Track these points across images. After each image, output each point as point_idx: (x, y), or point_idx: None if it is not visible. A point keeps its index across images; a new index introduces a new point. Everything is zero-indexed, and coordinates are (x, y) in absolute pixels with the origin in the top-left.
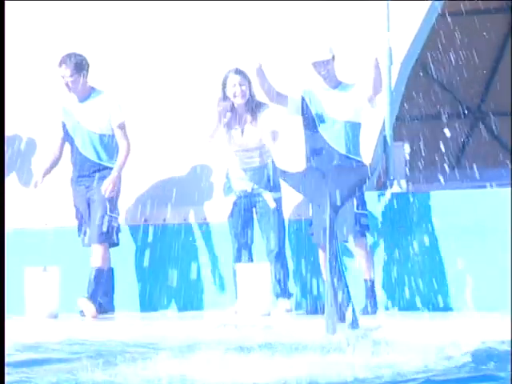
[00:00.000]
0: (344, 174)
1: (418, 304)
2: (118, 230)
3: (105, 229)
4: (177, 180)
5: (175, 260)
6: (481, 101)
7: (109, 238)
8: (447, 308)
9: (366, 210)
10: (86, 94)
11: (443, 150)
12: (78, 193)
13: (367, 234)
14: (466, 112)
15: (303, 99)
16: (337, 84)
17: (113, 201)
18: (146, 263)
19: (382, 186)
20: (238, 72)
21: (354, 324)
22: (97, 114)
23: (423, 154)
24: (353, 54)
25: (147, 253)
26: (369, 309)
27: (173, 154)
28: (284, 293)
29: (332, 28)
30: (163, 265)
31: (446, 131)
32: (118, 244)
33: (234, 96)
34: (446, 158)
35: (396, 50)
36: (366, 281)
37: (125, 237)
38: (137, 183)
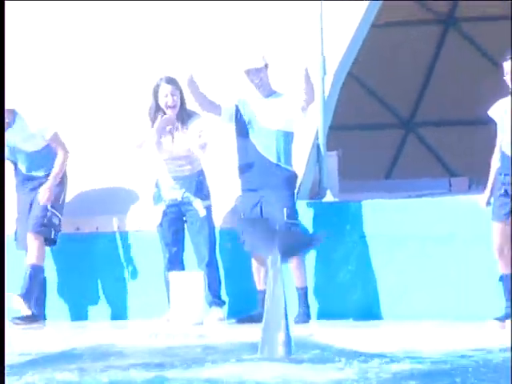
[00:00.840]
0: (274, 184)
1: (348, 312)
2: (58, 229)
3: (44, 221)
4: (108, 188)
5: (107, 269)
6: (413, 111)
7: (46, 231)
8: (375, 316)
9: (297, 220)
10: (11, 118)
11: (376, 159)
12: (20, 200)
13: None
14: (398, 122)
15: (237, 108)
16: (270, 93)
17: (57, 204)
18: (77, 272)
19: (314, 196)
20: (170, 81)
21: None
22: (27, 135)
23: (356, 164)
24: (286, 62)
25: (79, 261)
26: (302, 318)
27: (104, 162)
28: (216, 301)
29: (265, 34)
30: (95, 273)
31: (380, 141)
32: (55, 243)
33: (166, 106)
34: (378, 167)
35: (329, 59)
36: (297, 289)
37: (56, 245)
38: (68, 191)
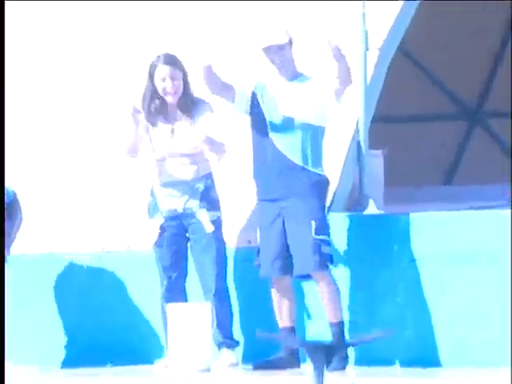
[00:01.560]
0: (300, 191)
1: (397, 357)
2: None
3: None
4: (91, 201)
5: (87, 300)
6: (480, 98)
7: None
8: (433, 363)
9: (329, 236)
10: None
11: (432, 160)
12: None
13: (330, 266)
14: (462, 112)
15: (254, 94)
16: (295, 75)
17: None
18: (47, 303)
19: (353, 207)
20: (169, 61)
21: None
22: None
23: (406, 166)
24: (317, 39)
25: (55, 289)
26: (337, 362)
27: (84, 167)
28: (228, 342)
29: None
30: (71, 306)
31: (437, 136)
32: None
33: (165, 93)
34: (435, 170)
35: (373, 33)
36: (331, 325)
37: (29, 268)
38: (43, 206)
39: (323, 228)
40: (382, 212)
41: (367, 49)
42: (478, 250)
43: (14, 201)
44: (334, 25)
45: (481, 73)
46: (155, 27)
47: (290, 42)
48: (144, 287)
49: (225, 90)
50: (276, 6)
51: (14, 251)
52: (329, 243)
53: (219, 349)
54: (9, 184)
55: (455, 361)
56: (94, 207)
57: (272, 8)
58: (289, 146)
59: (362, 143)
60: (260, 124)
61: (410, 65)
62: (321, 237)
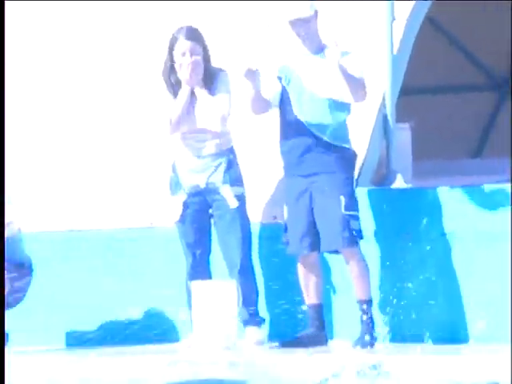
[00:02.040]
0: (327, 166)
1: (425, 334)
2: None
3: None
4: (111, 177)
5: (111, 278)
6: (510, 71)
7: None
8: (461, 339)
9: (358, 211)
10: None
11: (461, 133)
12: None
13: (360, 242)
14: (492, 83)
15: (279, 79)
16: (320, 48)
17: None
18: (70, 282)
19: (380, 181)
20: (191, 35)
21: None
22: None
23: (435, 139)
24: (344, 11)
25: (76, 266)
26: (366, 339)
27: (106, 145)
28: (254, 319)
29: None
30: (94, 283)
31: (466, 108)
32: None
33: (181, 67)
34: (465, 143)
35: (399, 2)
36: (360, 302)
37: (46, 245)
38: (64, 183)
39: (352, 203)
40: (410, 186)
41: (394, 18)
42: (507, 224)
43: (29, 266)
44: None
45: (510, 44)
46: (155, 27)
47: (316, 15)
48: (168, 264)
49: (265, 107)
50: None
51: (34, 228)
52: (358, 218)
53: (245, 326)
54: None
55: (486, 337)
56: (117, 184)
57: None
58: (315, 122)
59: (388, 116)
60: (286, 101)
61: (438, 35)
62: (350, 212)
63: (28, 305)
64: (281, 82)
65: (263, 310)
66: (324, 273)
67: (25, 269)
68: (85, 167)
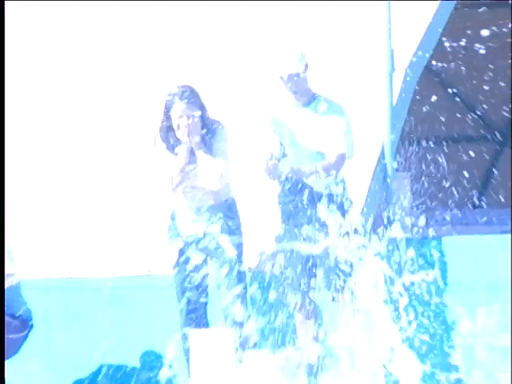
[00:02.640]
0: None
1: None
2: None
3: None
4: (110, 225)
5: (111, 324)
6: (510, 121)
7: None
8: None
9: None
10: None
11: (461, 183)
12: None
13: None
14: (491, 135)
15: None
16: (311, 99)
17: None
18: (64, 329)
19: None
20: (185, 96)
21: None
22: None
23: (434, 188)
24: (343, 59)
25: (74, 313)
26: None
27: (105, 195)
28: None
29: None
30: (88, 331)
31: (465, 158)
32: None
33: (179, 128)
34: (464, 193)
35: (399, 52)
36: None
37: (44, 291)
38: (62, 230)
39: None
40: (409, 236)
41: (393, 69)
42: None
43: (27, 320)
44: (359, 43)
45: (510, 96)
46: (156, 27)
47: (306, 67)
48: (166, 311)
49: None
50: (298, 24)
51: (32, 275)
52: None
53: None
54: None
55: None
56: (115, 232)
57: (292, 27)
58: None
59: (387, 165)
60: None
61: (438, 85)
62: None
63: (26, 351)
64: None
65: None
66: None
67: (22, 322)
68: (84, 215)
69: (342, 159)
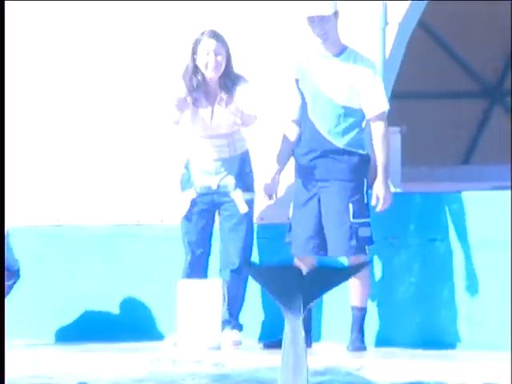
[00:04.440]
0: (339, 172)
1: (410, 339)
2: None
3: None
4: (101, 174)
5: (100, 272)
6: (501, 77)
7: None
8: (445, 345)
9: (369, 217)
10: None
11: (451, 138)
12: None
13: (368, 249)
14: (482, 90)
15: (297, 82)
16: (340, 50)
17: None
18: (60, 275)
19: (370, 184)
20: (215, 36)
21: None
22: None
23: (425, 144)
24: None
25: (63, 261)
26: (357, 345)
27: (96, 142)
28: (233, 322)
29: None
30: (84, 279)
31: (456, 113)
32: None
33: (206, 67)
34: (454, 148)
35: (392, 5)
36: (354, 309)
37: (33, 239)
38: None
39: (362, 210)
40: (399, 190)
41: (386, 23)
42: (497, 231)
43: (15, 270)
44: None
45: (502, 50)
46: (155, 26)
47: (335, 15)
48: (154, 261)
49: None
50: None
51: (22, 222)
52: (368, 225)
53: (223, 327)
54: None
55: (470, 343)
56: (105, 181)
57: None
58: (330, 129)
59: None
60: (303, 104)
61: (430, 40)
62: (359, 220)
63: (16, 298)
64: (298, 84)
65: (257, 311)
66: None
67: (9, 271)
68: (74, 163)
69: (384, 116)
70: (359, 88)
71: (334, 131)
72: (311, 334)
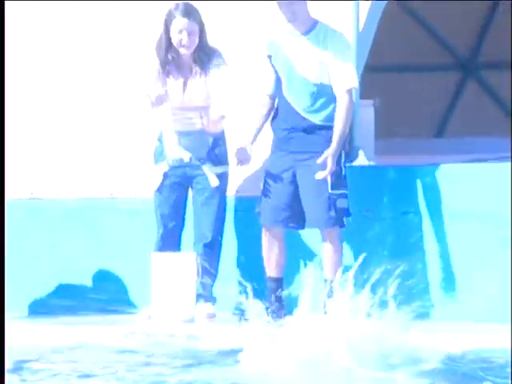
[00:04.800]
0: (316, 145)
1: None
2: None
3: None
4: (73, 147)
5: (73, 246)
6: (475, 49)
7: None
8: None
9: (346, 189)
10: None
11: (424, 111)
12: None
13: (345, 221)
14: (455, 63)
15: (270, 58)
16: (310, 27)
17: None
18: (33, 248)
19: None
20: (187, 13)
21: None
22: None
23: (399, 116)
24: None
25: (36, 234)
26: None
27: (70, 116)
28: (207, 295)
29: None
30: (57, 252)
31: (429, 86)
32: None
33: (179, 45)
34: (428, 121)
35: None
36: (326, 281)
37: (11, 214)
38: (25, 148)
39: (340, 182)
40: (372, 163)
41: None
42: (471, 204)
43: None
44: None
45: (475, 23)
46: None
47: None
48: (127, 234)
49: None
50: None
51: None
52: (346, 196)
53: (197, 300)
54: None
55: (442, 315)
56: (78, 154)
57: None
58: (305, 107)
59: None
60: (277, 80)
61: (403, 13)
62: (337, 191)
63: None
64: (271, 60)
65: (232, 281)
66: (289, 247)
67: None
68: (48, 135)
69: (351, 92)
70: (329, 64)
71: (310, 109)
72: (283, 306)
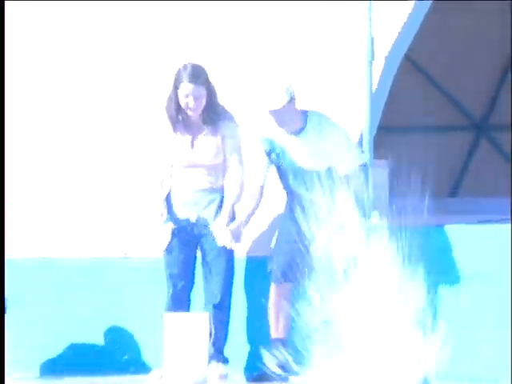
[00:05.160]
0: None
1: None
2: None
3: None
4: (87, 207)
5: (86, 305)
6: (486, 112)
7: None
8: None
9: None
10: None
11: (438, 170)
12: None
13: None
14: (469, 124)
15: (268, 154)
16: (300, 129)
17: None
18: (46, 308)
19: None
20: (193, 78)
21: None
22: None
23: (411, 177)
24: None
25: (49, 294)
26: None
27: (82, 175)
28: (219, 356)
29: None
30: (70, 312)
31: (442, 147)
32: None
33: (187, 107)
34: (441, 181)
35: (379, 40)
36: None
37: (19, 271)
38: (38, 209)
39: None
40: (386, 222)
41: (373, 57)
42: (478, 265)
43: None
44: (339, 32)
45: (488, 85)
46: (156, 27)
47: (292, 100)
48: (140, 294)
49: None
50: (279, 12)
51: (8, 255)
52: None
53: (209, 361)
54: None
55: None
56: (92, 213)
57: (274, 16)
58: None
59: (366, 153)
60: (281, 173)
61: (417, 74)
62: None
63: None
64: (269, 157)
65: (241, 344)
66: None
67: None
68: (61, 194)
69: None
70: (330, 152)
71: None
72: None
